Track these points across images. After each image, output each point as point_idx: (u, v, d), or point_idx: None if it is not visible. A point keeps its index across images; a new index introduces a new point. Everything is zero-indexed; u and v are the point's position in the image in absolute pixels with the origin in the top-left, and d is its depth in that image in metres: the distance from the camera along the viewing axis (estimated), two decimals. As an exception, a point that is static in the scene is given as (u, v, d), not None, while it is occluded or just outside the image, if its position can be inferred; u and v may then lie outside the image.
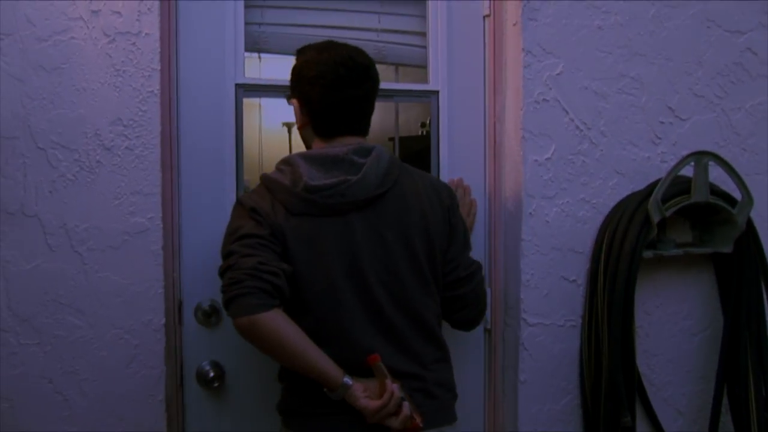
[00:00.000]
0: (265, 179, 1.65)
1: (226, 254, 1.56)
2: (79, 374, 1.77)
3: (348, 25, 2.07)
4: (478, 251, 2.13)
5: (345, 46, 1.70)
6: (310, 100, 1.65)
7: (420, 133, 2.33)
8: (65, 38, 1.73)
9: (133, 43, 1.77)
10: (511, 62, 2.08)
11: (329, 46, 1.68)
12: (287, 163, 1.65)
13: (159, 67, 1.79)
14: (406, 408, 1.56)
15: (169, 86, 1.85)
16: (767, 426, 2.09)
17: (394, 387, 1.56)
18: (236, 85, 1.93)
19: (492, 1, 2.11)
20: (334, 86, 1.63)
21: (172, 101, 1.86)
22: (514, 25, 2.05)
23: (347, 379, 1.54)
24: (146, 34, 1.77)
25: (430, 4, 2.10)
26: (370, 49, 1.98)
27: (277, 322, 1.49)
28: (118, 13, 1.75)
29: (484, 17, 2.12)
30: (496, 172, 2.14)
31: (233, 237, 1.57)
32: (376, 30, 2.10)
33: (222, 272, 1.55)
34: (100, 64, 1.75)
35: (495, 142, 2.14)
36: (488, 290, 2.14)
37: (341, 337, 1.60)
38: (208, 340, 1.93)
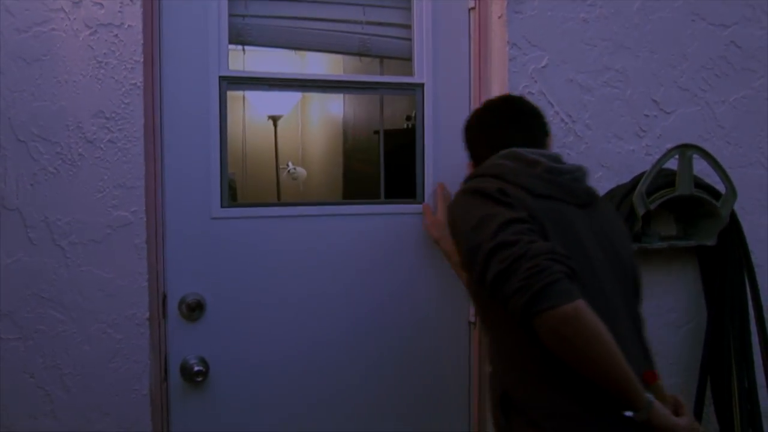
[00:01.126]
0: (487, 168, 1.57)
1: (499, 244, 1.34)
2: (62, 369, 1.75)
3: (333, 17, 2.06)
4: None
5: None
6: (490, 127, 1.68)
7: (405, 126, 2.32)
8: (46, 29, 1.71)
9: (116, 35, 1.75)
10: (496, 55, 2.08)
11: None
12: (493, 164, 1.57)
13: (142, 60, 1.77)
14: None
15: (152, 79, 1.84)
16: (750, 417, 2.11)
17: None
18: (220, 77, 1.91)
19: None
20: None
21: (155, 94, 1.85)
22: (500, 17, 2.04)
23: (649, 394, 1.36)
24: (129, 26, 1.75)
25: (415, -4, 2.10)
26: (354, 42, 1.98)
27: (592, 311, 1.30)
28: (100, 4, 1.73)
29: (469, 10, 2.12)
30: None
31: (492, 226, 1.37)
32: (360, 22, 2.09)
33: (509, 265, 1.31)
34: (81, 56, 1.73)
35: None
36: None
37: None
38: (193, 335, 1.92)
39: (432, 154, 2.10)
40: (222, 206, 1.93)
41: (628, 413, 1.34)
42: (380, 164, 2.16)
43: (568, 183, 1.54)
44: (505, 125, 1.67)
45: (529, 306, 1.28)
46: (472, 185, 1.51)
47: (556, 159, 1.59)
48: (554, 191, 1.50)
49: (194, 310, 1.91)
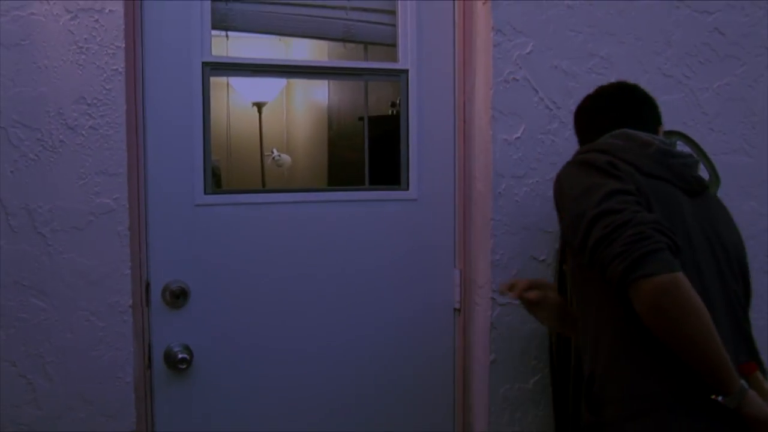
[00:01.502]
0: (597, 145, 1.57)
1: (604, 211, 1.34)
2: (44, 357, 1.74)
3: (316, 3, 2.05)
4: (447, 231, 2.15)
5: None
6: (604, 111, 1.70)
7: (390, 112, 2.32)
8: (24, 14, 1.69)
9: (96, 20, 1.73)
10: (480, 41, 2.08)
11: None
12: (604, 142, 1.58)
13: (123, 45, 1.75)
14: None
15: (135, 64, 1.82)
16: None
17: None
18: (203, 63, 1.90)
19: None
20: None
21: (137, 80, 1.83)
22: (484, 3, 2.04)
23: (743, 382, 1.32)
24: (110, 11, 1.74)
25: (399, -18, 2.10)
26: (338, 27, 1.97)
27: (690, 284, 1.29)
28: (81, -12, 1.72)
29: None
30: (466, 152, 2.15)
31: (598, 194, 1.37)
32: (344, 8, 2.08)
33: (611, 231, 1.31)
34: (62, 41, 1.71)
35: (465, 121, 2.14)
36: (458, 270, 2.16)
37: None
38: (177, 322, 1.92)
39: (416, 140, 2.10)
40: (206, 193, 1.92)
41: (718, 398, 1.31)
42: (365, 151, 2.16)
43: (680, 167, 1.54)
44: (619, 110, 1.69)
45: (627, 272, 1.28)
46: (580, 157, 1.53)
47: (671, 143, 1.61)
48: (664, 172, 1.51)
49: (178, 297, 1.90)
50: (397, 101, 2.15)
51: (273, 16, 1.97)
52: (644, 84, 2.13)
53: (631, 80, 2.13)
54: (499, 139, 2.03)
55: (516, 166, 2.05)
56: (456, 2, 2.12)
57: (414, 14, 2.08)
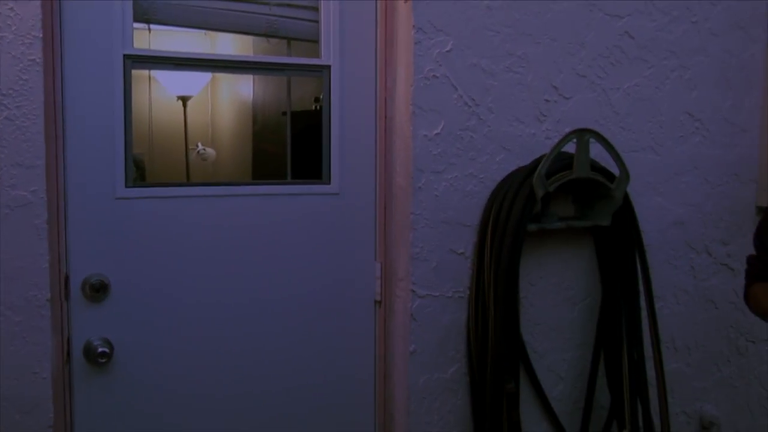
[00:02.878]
0: None
1: None
2: (-43, 352, 1.72)
3: (239, -3, 2.07)
4: (368, 224, 2.20)
5: None
6: None
7: (313, 108, 2.35)
8: (-64, 2, 1.66)
9: (11, 8, 1.70)
10: (402, 39, 2.12)
11: None
12: None
13: (41, 35, 1.73)
14: None
15: (53, 55, 1.80)
16: (637, 387, 2.24)
17: None
18: (125, 56, 1.89)
19: None
20: None
21: (56, 70, 1.81)
22: (406, 2, 2.08)
23: None
24: None
25: (323, -22, 2.13)
26: (262, 23, 1.99)
27: None
28: (-5, -24, 1.69)
29: None
30: (387, 147, 2.19)
31: None
32: (268, 3, 2.10)
33: None
34: None
35: (386, 117, 2.19)
36: (379, 263, 2.20)
37: None
38: (97, 316, 1.91)
39: (338, 135, 2.14)
40: (126, 186, 1.92)
41: None
42: (287, 145, 2.19)
43: None
44: None
45: None
46: None
47: None
48: None
49: (98, 291, 1.89)
50: (320, 96, 2.18)
51: (196, 10, 1.97)
52: (559, 83, 2.25)
53: (548, 79, 2.24)
54: (419, 135, 2.08)
55: (435, 162, 2.11)
56: (378, 0, 2.16)
57: (336, 11, 2.11)
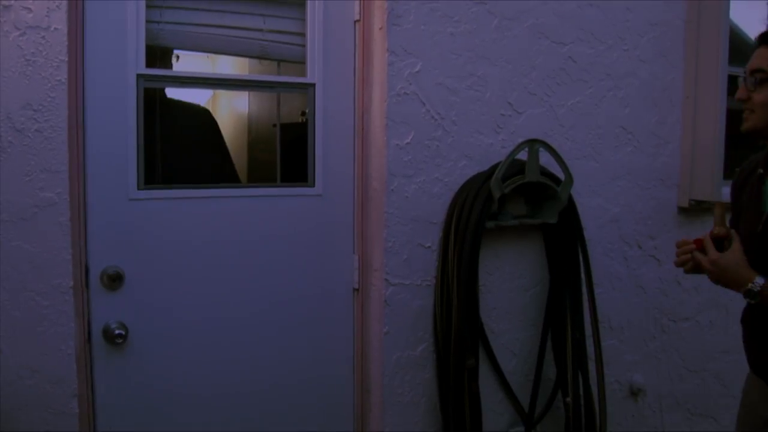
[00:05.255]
0: None
1: None
2: (-5, 332, 1.85)
3: (236, 25, 2.19)
4: (347, 221, 2.32)
5: None
6: None
7: (300, 120, 2.48)
8: (-21, 31, 1.78)
9: (43, 37, 1.83)
10: (377, 61, 2.23)
11: None
12: None
13: (67, 59, 1.86)
14: None
15: (76, 75, 1.92)
16: (579, 361, 2.41)
17: None
18: (138, 75, 2.02)
19: (362, 8, 2.26)
20: None
21: (78, 89, 1.94)
22: (380, 29, 2.20)
23: None
24: (55, 28, 1.84)
25: (308, 8, 2.24)
26: (255, 47, 2.12)
27: None
28: (29, 8, 1.82)
29: (354, 22, 2.28)
30: (364, 154, 2.29)
31: None
32: (261, 30, 2.22)
33: None
34: (11, 55, 1.81)
35: (363, 128, 2.29)
36: (356, 256, 2.32)
37: None
38: (113, 302, 2.03)
39: (322, 144, 2.27)
40: (138, 188, 2.05)
41: None
42: (277, 153, 2.31)
43: None
44: None
45: None
46: None
47: None
48: None
49: (114, 280, 2.02)
50: (306, 110, 2.30)
51: (198, 36, 2.09)
52: (513, 100, 2.37)
53: (503, 97, 2.35)
54: (392, 144, 2.20)
55: (406, 167, 2.23)
56: (357, 27, 2.28)
57: (321, 36, 2.24)
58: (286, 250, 2.25)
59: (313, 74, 2.25)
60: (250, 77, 2.29)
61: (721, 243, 1.72)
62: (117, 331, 2.02)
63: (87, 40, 1.96)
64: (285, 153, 2.31)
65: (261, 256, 2.22)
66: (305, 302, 2.29)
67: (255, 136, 3.05)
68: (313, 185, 2.28)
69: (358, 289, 2.35)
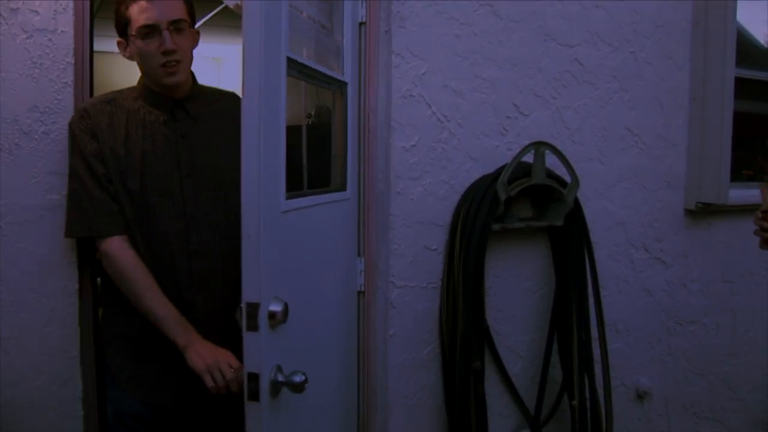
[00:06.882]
0: None
1: None
2: (1, 334, 1.83)
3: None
4: (353, 224, 2.27)
5: None
6: None
7: (308, 122, 2.44)
8: (-15, 33, 1.78)
9: (50, 39, 1.83)
10: (383, 62, 2.20)
11: None
12: None
13: (73, 62, 1.86)
14: None
15: (83, 78, 1.92)
16: (586, 363, 2.39)
17: None
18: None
19: (368, 11, 2.22)
20: None
21: (85, 91, 1.93)
22: (386, 31, 2.18)
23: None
24: (62, 31, 1.84)
25: (314, 10, 2.22)
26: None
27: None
28: (36, 11, 1.81)
29: (360, 24, 2.24)
30: (369, 157, 2.25)
31: None
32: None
33: None
34: (18, 57, 1.81)
35: (369, 130, 2.25)
36: (362, 259, 2.27)
37: None
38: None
39: (350, 147, 2.17)
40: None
41: None
42: (303, 156, 2.13)
43: None
44: None
45: None
46: None
47: None
48: None
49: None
50: (312, 112, 2.27)
51: None
52: (519, 102, 2.35)
53: (509, 99, 2.33)
54: (397, 147, 2.18)
55: (412, 170, 2.21)
56: (362, 30, 2.24)
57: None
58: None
59: (347, 72, 2.15)
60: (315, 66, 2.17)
61: None
62: (123, 333, 1.98)
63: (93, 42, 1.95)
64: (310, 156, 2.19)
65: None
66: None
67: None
68: (345, 189, 2.17)
69: (363, 292, 2.30)
